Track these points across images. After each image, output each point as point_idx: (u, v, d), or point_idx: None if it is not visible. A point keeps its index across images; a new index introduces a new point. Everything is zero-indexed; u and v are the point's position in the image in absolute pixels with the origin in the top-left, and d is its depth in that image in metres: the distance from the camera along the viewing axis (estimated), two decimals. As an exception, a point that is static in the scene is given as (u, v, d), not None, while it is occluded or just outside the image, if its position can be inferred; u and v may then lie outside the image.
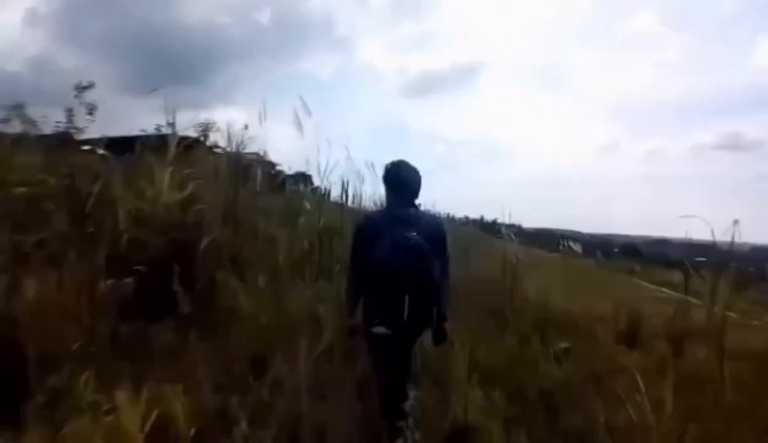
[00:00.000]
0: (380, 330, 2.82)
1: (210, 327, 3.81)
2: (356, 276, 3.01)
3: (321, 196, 6.17)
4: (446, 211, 8.44)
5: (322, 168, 5.28)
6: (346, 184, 5.85)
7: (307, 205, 5.79)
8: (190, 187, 4.58)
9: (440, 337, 3.03)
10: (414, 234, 2.77)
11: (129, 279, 3.71)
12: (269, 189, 6.06)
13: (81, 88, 4.86)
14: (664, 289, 13.80)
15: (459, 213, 8.89)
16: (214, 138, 6.11)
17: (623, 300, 8.46)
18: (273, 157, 6.04)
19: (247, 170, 5.65)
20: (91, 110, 4.94)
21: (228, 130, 5.58)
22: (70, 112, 4.97)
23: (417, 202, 3.12)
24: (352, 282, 3.06)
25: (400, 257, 2.73)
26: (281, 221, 5.72)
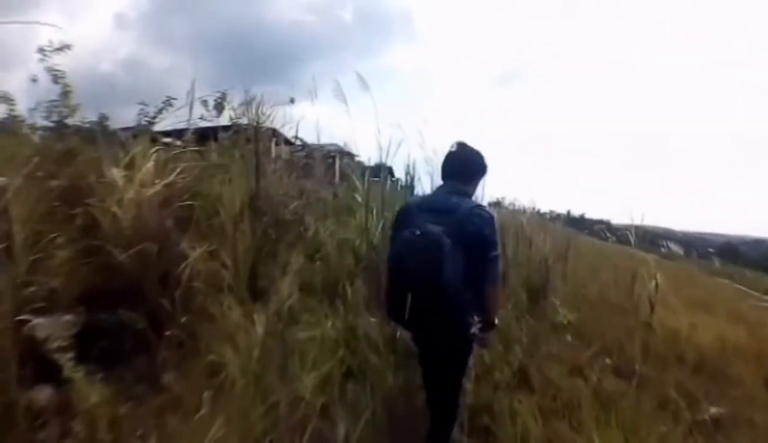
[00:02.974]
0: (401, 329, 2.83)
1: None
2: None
3: (393, 188, 5.69)
4: (532, 205, 7.66)
5: (392, 156, 4.56)
6: (412, 174, 5.04)
7: (359, 198, 4.58)
8: (171, 177, 3.43)
9: (482, 343, 2.75)
10: (437, 226, 2.45)
11: (67, 317, 2.64)
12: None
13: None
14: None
15: (544, 207, 7.87)
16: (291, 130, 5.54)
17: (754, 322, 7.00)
18: (357, 149, 5.34)
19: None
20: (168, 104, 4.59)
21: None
22: (143, 106, 4.68)
23: (472, 190, 2.86)
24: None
25: (410, 251, 2.47)
26: (331, 220, 4.76)
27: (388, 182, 6.24)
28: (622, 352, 4.94)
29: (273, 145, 5.11)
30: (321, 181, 5.86)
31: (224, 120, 4.73)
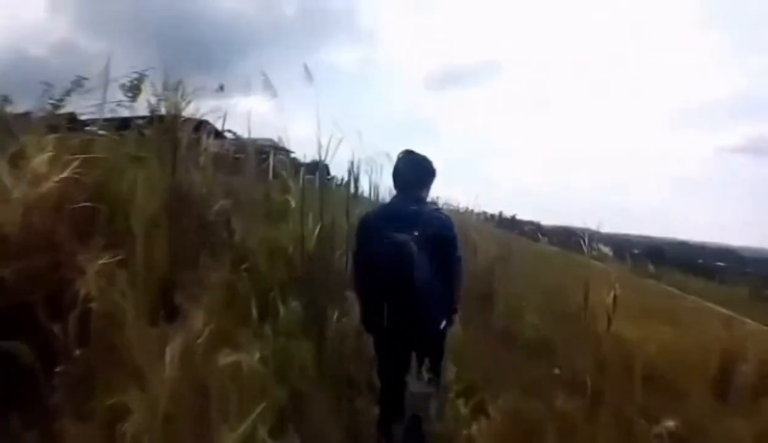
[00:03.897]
0: (373, 335, 2.82)
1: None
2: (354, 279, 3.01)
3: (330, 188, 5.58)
4: (465, 207, 7.66)
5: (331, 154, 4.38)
6: (356, 173, 5.02)
7: (292, 201, 4.11)
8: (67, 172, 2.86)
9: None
10: (406, 234, 2.59)
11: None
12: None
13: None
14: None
15: (477, 208, 7.88)
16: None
17: (691, 328, 7.06)
18: (292, 145, 5.21)
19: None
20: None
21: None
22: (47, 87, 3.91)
23: (425, 195, 2.99)
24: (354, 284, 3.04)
25: (383, 260, 2.61)
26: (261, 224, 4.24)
27: (324, 181, 6.20)
28: (571, 364, 4.77)
29: (201, 137, 4.52)
30: (252, 178, 5.34)
31: (141, 106, 4.07)
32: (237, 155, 5.47)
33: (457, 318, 3.04)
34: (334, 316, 3.37)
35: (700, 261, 47.65)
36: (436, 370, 2.74)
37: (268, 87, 3.93)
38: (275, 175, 4.82)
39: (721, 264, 48.10)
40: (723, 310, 14.87)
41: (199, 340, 2.40)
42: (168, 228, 3.31)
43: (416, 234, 2.59)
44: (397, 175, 2.97)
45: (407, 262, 2.55)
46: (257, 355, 2.51)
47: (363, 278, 2.83)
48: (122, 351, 2.38)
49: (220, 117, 4.73)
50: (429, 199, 3.15)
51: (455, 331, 3.20)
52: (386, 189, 5.87)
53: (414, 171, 2.95)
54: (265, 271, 3.62)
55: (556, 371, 4.49)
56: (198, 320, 2.64)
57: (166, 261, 3.16)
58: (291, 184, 4.27)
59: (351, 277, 3.18)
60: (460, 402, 3.38)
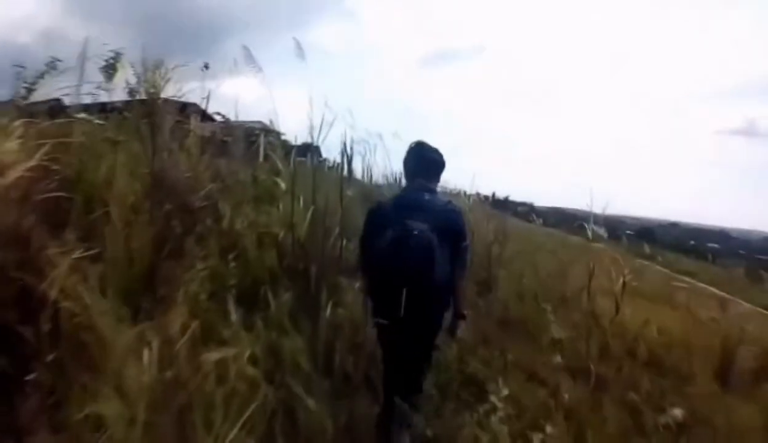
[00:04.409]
0: (383, 322, 2.73)
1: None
2: (364, 268, 2.99)
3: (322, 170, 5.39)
4: (459, 189, 7.59)
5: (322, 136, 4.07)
6: (349, 155, 4.74)
7: (281, 184, 3.87)
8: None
9: (451, 332, 2.92)
10: (421, 224, 2.58)
11: None
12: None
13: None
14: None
15: (470, 189, 7.74)
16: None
17: (688, 310, 7.72)
18: (283, 127, 4.92)
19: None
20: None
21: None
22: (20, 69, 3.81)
23: (435, 186, 3.00)
24: (363, 274, 3.03)
25: (400, 250, 2.56)
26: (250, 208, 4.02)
27: (316, 163, 5.97)
28: (574, 349, 4.64)
29: (190, 119, 4.51)
30: (240, 161, 5.14)
31: (118, 87, 3.82)
32: (225, 138, 5.29)
33: (462, 327, 2.98)
34: (328, 308, 3.14)
35: (692, 242, 47.88)
36: (417, 383, 2.87)
37: (251, 62, 3.71)
38: (265, 158, 4.59)
39: (713, 245, 48.34)
40: (718, 291, 14.88)
41: (182, 340, 2.16)
42: (149, 216, 3.10)
43: (430, 224, 2.60)
44: (408, 165, 3.01)
45: (429, 252, 2.56)
46: (246, 352, 2.30)
47: (376, 267, 2.76)
48: (98, 354, 2.17)
49: (204, 98, 4.59)
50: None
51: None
52: (379, 171, 5.77)
53: (425, 162, 2.98)
54: (255, 259, 3.42)
55: (558, 359, 4.35)
56: (181, 315, 2.45)
57: (148, 251, 2.95)
58: (280, 166, 4.02)
59: (358, 265, 3.15)
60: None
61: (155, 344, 2.12)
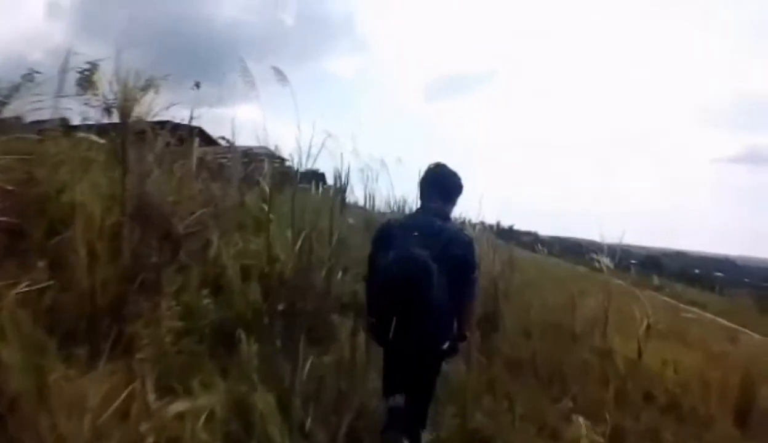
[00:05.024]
0: (383, 347, 2.72)
1: None
2: (367, 286, 2.85)
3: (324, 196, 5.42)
4: (464, 217, 7.37)
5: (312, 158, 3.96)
6: (344, 181, 4.99)
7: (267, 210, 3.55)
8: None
9: (450, 353, 2.77)
10: (423, 250, 2.47)
11: None
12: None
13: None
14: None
15: (476, 219, 7.47)
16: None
17: (700, 344, 7.72)
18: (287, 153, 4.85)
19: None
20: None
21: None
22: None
23: (450, 209, 2.92)
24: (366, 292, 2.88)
25: (397, 274, 2.46)
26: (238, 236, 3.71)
27: (320, 189, 6.16)
28: (586, 392, 4.29)
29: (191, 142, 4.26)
30: (237, 186, 4.88)
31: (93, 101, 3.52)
32: (222, 161, 5.10)
33: (463, 347, 2.94)
34: (308, 362, 2.73)
35: (696, 271, 47.38)
36: (421, 411, 2.71)
37: (250, 84, 3.58)
38: (254, 183, 4.32)
39: (719, 274, 47.80)
40: (727, 323, 14.49)
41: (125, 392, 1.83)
42: (121, 245, 2.79)
43: (435, 251, 2.48)
44: (424, 186, 2.89)
45: (426, 279, 2.45)
46: (206, 411, 1.95)
47: (375, 287, 2.66)
48: (48, 401, 1.83)
49: (192, 118, 4.39)
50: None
51: (450, 370, 3.10)
52: (382, 198, 5.64)
53: (443, 184, 2.88)
54: (238, 293, 3.10)
55: (570, 404, 3.99)
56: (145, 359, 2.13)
57: (116, 283, 2.63)
58: (266, 190, 3.72)
59: (365, 283, 2.98)
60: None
61: (103, 394, 1.79)
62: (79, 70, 3.32)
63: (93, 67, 3.32)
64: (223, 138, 5.54)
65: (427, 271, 2.44)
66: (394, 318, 2.44)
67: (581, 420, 3.30)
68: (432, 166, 2.92)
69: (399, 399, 2.62)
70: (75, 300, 2.49)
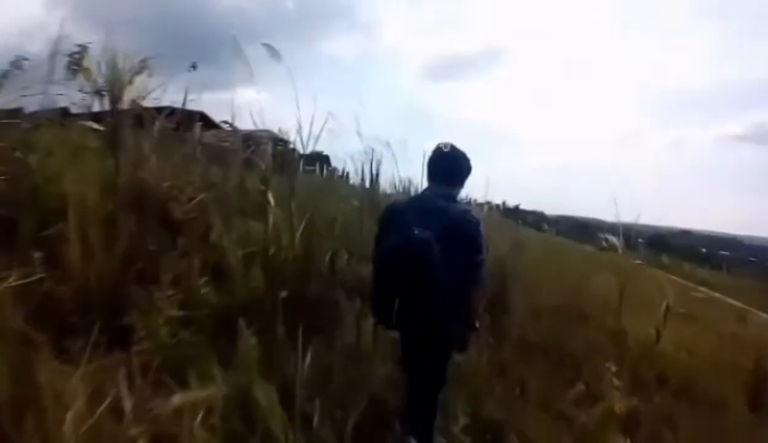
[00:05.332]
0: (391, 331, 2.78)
1: None
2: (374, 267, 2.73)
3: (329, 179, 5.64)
4: (469, 198, 7.35)
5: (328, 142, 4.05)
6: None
7: (269, 194, 3.43)
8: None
9: (460, 347, 2.76)
10: (426, 231, 2.42)
11: None
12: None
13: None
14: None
15: (482, 198, 7.42)
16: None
17: (710, 324, 7.78)
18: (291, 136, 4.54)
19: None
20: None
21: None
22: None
23: (458, 192, 2.83)
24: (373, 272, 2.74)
25: (399, 255, 2.45)
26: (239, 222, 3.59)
27: (324, 171, 6.34)
28: (598, 376, 4.20)
29: (197, 128, 4.33)
30: (239, 170, 4.78)
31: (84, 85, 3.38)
32: (225, 145, 5.02)
33: (473, 339, 2.91)
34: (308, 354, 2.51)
35: (703, 250, 47.19)
36: (431, 402, 2.68)
37: (244, 63, 3.49)
38: (253, 165, 4.20)
39: (725, 253, 47.61)
40: (735, 302, 14.43)
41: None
42: (117, 232, 2.69)
43: (439, 232, 2.43)
44: (432, 166, 2.81)
45: (427, 260, 2.42)
46: (208, 403, 1.84)
47: (379, 268, 2.62)
48: (27, 404, 1.74)
49: (196, 104, 4.35)
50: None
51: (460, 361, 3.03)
52: (387, 179, 5.66)
53: (451, 166, 2.80)
54: (240, 280, 2.99)
55: (579, 386, 3.91)
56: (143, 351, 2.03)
57: (112, 273, 2.53)
58: (268, 174, 3.59)
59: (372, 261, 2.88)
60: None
61: (97, 389, 1.69)
62: (68, 53, 3.19)
63: (83, 50, 3.18)
64: (225, 122, 5.29)
65: (428, 251, 2.41)
66: (397, 300, 2.43)
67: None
68: (440, 146, 2.82)
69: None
70: (69, 293, 2.41)
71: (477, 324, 2.77)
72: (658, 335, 4.31)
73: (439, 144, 2.84)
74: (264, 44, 3.48)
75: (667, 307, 4.31)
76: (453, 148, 2.82)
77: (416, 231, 2.45)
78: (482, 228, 2.64)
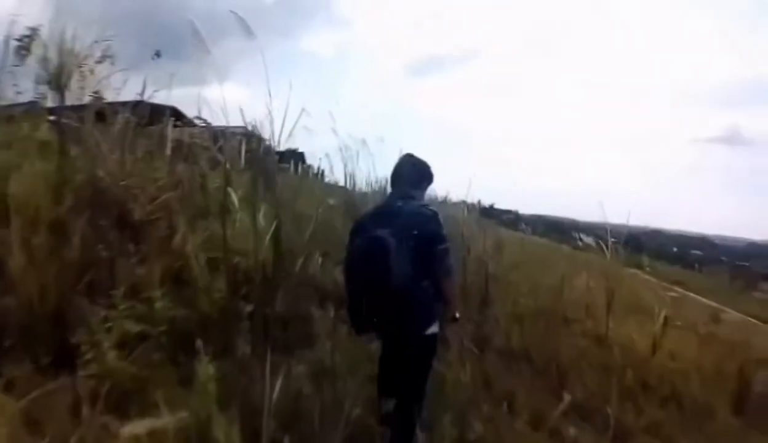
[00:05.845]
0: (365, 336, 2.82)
1: None
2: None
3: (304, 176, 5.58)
4: (445, 196, 7.27)
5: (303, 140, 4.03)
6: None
7: (233, 195, 3.14)
8: None
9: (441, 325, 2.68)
10: (385, 228, 2.47)
11: None
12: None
13: None
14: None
15: (455, 197, 7.33)
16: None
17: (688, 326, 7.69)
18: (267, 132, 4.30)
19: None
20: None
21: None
22: None
23: (419, 196, 2.85)
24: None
25: (358, 258, 2.53)
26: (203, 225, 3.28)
27: (299, 169, 6.26)
28: (582, 382, 4.07)
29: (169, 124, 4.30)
30: (204, 168, 4.51)
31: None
32: (196, 142, 4.79)
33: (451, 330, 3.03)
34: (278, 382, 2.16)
35: (675, 249, 48.00)
36: (413, 411, 2.57)
37: (201, 46, 3.14)
38: (216, 163, 3.91)
39: (696, 252, 48.49)
40: (709, 302, 14.55)
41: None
42: (66, 237, 2.42)
43: (397, 229, 2.47)
44: (393, 174, 2.93)
45: (382, 257, 2.42)
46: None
47: (345, 273, 2.67)
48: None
49: (167, 100, 4.26)
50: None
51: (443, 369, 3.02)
52: (362, 178, 5.48)
53: (409, 172, 2.89)
54: (203, 290, 2.73)
55: (567, 397, 3.75)
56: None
57: (58, 283, 2.26)
58: (234, 173, 3.33)
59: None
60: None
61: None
62: (17, 37, 2.89)
63: (33, 33, 2.88)
64: (199, 117, 5.17)
65: (383, 248, 2.42)
66: (364, 302, 2.46)
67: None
68: (402, 156, 2.96)
69: (390, 404, 2.56)
70: (9, 309, 2.13)
71: (457, 315, 2.78)
72: (655, 348, 4.21)
73: (402, 154, 2.98)
74: (232, 12, 3.20)
75: (666, 319, 4.20)
76: (413, 157, 2.95)
77: (373, 231, 2.50)
78: (441, 218, 2.69)
